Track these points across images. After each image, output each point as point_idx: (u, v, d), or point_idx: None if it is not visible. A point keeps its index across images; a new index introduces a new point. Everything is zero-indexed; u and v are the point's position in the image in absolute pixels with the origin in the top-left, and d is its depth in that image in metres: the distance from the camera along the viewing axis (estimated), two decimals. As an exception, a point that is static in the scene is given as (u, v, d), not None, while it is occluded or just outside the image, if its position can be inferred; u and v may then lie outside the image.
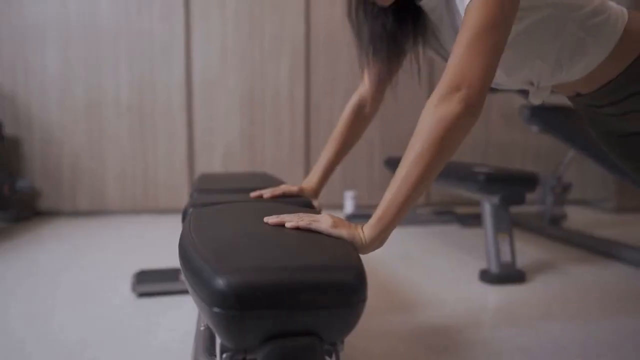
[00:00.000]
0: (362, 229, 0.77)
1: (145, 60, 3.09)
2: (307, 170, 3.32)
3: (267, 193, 1.12)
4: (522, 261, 2.09)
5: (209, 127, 3.22)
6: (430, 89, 3.29)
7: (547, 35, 0.89)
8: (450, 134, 0.74)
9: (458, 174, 2.15)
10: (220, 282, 0.54)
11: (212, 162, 3.24)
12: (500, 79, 0.99)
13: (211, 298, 0.55)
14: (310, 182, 1.22)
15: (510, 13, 0.77)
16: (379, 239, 0.76)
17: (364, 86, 1.17)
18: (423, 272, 2.01)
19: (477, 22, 0.75)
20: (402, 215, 0.76)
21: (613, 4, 0.96)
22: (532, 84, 1.00)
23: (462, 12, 0.82)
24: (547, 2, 0.85)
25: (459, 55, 0.75)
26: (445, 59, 1.03)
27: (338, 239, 0.73)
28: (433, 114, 0.74)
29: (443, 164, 0.76)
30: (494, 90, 1.11)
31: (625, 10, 0.96)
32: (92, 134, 3.10)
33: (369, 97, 1.17)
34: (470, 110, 0.74)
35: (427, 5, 0.94)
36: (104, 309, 1.55)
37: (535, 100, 1.06)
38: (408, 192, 0.74)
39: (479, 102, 0.75)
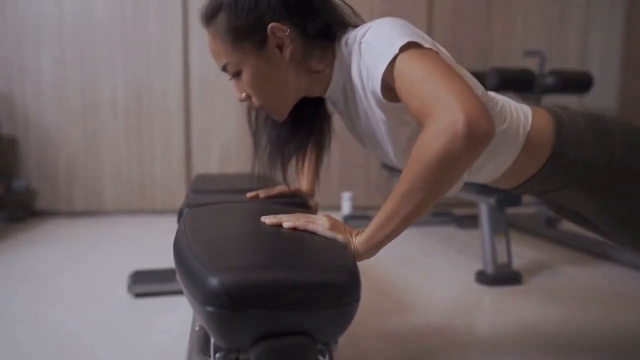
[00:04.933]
0: (355, 236, 0.76)
1: (142, 60, 3.08)
2: (304, 172, 3.32)
3: (263, 193, 1.12)
4: (518, 262, 2.09)
5: (206, 128, 3.22)
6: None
7: None
8: (449, 171, 0.65)
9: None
10: (213, 282, 0.54)
11: (210, 163, 3.24)
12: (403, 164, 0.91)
13: (204, 297, 0.55)
14: (303, 184, 1.22)
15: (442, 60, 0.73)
16: (368, 254, 0.75)
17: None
18: (419, 273, 2.01)
19: (423, 67, 0.69)
20: (390, 240, 0.74)
21: (515, 109, 0.91)
22: None
23: (363, 97, 0.81)
24: None
25: (432, 93, 0.66)
26: (359, 142, 1.01)
27: (333, 239, 0.73)
28: (430, 149, 0.64)
29: (437, 199, 0.70)
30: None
31: (528, 113, 0.91)
32: (88, 134, 3.09)
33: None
34: (478, 141, 0.63)
35: (331, 99, 0.94)
36: (100, 310, 1.55)
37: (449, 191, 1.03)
38: (395, 226, 0.71)
39: (487, 128, 0.63)
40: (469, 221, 2.91)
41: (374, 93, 0.79)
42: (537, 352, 1.29)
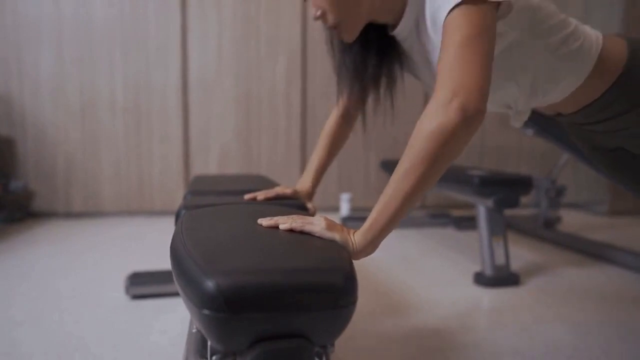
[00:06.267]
0: (354, 234, 0.77)
1: (141, 60, 3.08)
2: (303, 172, 3.32)
3: (260, 195, 1.12)
4: (516, 264, 2.09)
5: (204, 129, 3.22)
6: (425, 91, 3.30)
7: (519, 60, 0.89)
8: (445, 146, 0.70)
9: (453, 177, 2.15)
10: (209, 284, 0.54)
11: (208, 164, 3.24)
12: None
13: (200, 300, 0.55)
14: (303, 184, 1.23)
15: (491, 22, 0.76)
16: (369, 247, 0.76)
17: (342, 103, 1.19)
18: (418, 274, 2.01)
19: (463, 31, 0.73)
20: (392, 226, 0.75)
21: (587, 29, 0.95)
22: (509, 107, 1.00)
23: (433, 34, 0.83)
24: (512, 28, 0.84)
25: (451, 63, 0.72)
26: (424, 83, 1.04)
27: (330, 241, 0.73)
28: (427, 125, 0.70)
29: (437, 177, 0.73)
30: None
31: (599, 35, 0.96)
32: (86, 134, 3.08)
33: (349, 111, 1.20)
34: (470, 120, 0.69)
35: (399, 36, 0.95)
36: (97, 311, 1.54)
37: (516, 123, 1.05)
38: (397, 206, 0.73)
39: (479, 108, 0.70)
40: (468, 222, 2.91)
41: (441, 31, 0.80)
42: (535, 353, 1.29)
